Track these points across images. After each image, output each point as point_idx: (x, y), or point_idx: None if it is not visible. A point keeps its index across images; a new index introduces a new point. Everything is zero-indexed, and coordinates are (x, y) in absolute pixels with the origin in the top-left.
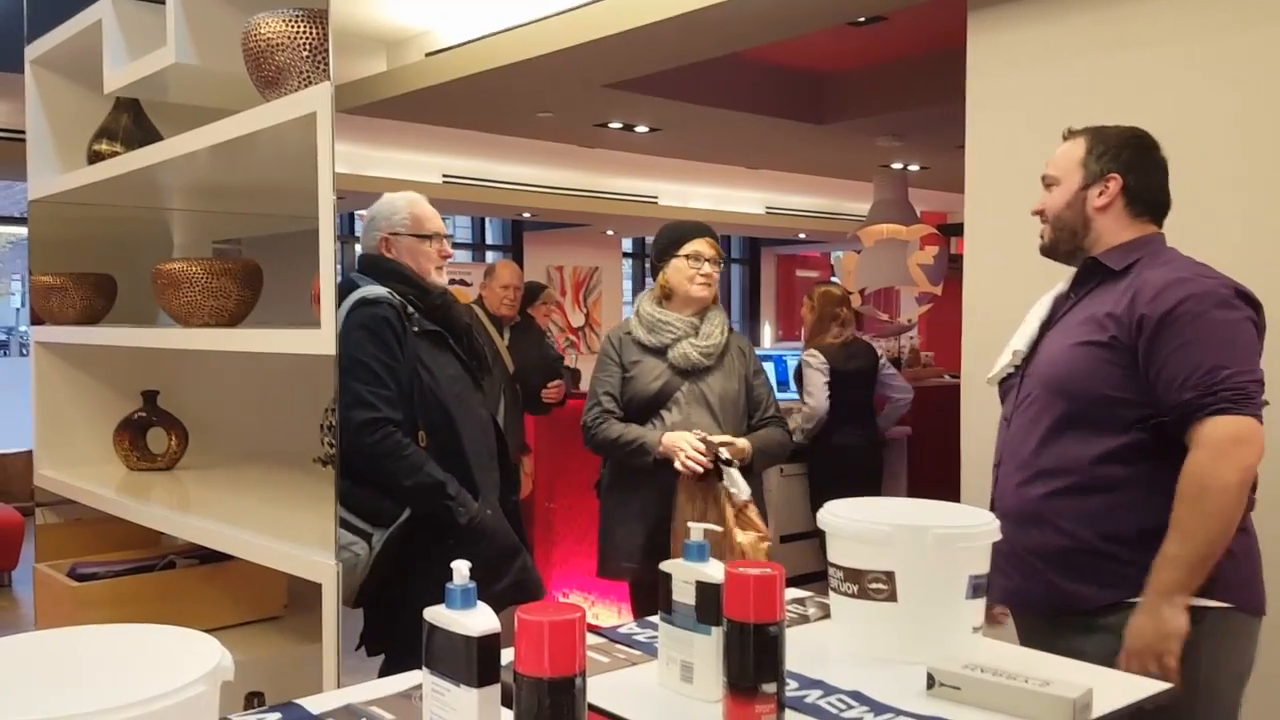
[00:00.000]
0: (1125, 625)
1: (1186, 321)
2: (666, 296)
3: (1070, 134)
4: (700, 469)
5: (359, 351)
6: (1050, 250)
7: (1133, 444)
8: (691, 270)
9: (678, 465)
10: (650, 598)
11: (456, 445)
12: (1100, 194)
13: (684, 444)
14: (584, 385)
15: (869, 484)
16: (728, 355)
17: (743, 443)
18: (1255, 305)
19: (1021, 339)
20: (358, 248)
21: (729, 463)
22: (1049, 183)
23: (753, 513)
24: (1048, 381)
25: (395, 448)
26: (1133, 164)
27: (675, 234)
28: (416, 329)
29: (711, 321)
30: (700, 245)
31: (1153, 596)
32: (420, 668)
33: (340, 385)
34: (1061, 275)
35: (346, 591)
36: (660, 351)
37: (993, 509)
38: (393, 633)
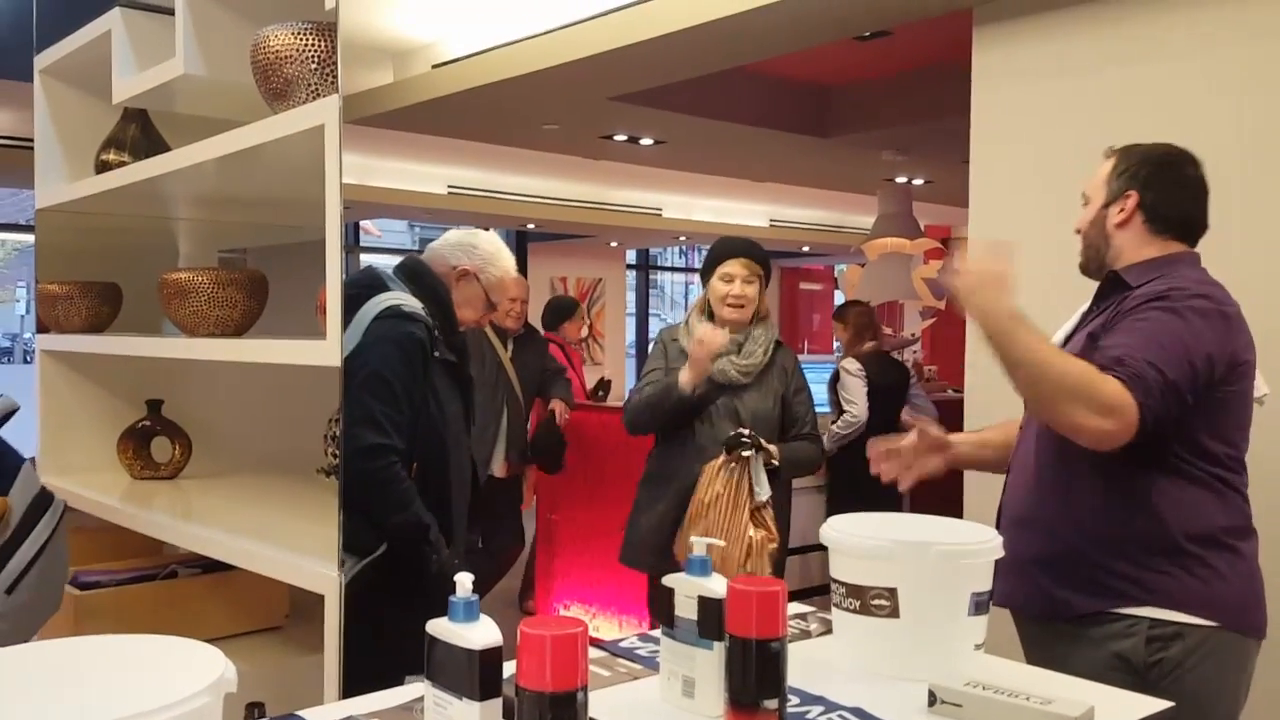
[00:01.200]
0: (1106, 639)
1: (1129, 318)
2: (710, 314)
3: (1109, 153)
4: (715, 342)
5: (385, 367)
6: (1084, 268)
7: (1131, 456)
8: (724, 290)
9: (695, 346)
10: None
11: (444, 484)
12: (1119, 211)
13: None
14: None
15: (890, 498)
16: (768, 374)
17: (773, 448)
18: (1222, 315)
19: None
20: (364, 257)
21: (757, 448)
22: (1084, 202)
23: (768, 515)
24: None
25: (394, 479)
26: (1151, 180)
27: (715, 252)
28: (438, 354)
29: (755, 340)
30: (733, 266)
31: (1007, 301)
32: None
33: (352, 396)
34: (1065, 290)
35: None
36: None
37: (999, 514)
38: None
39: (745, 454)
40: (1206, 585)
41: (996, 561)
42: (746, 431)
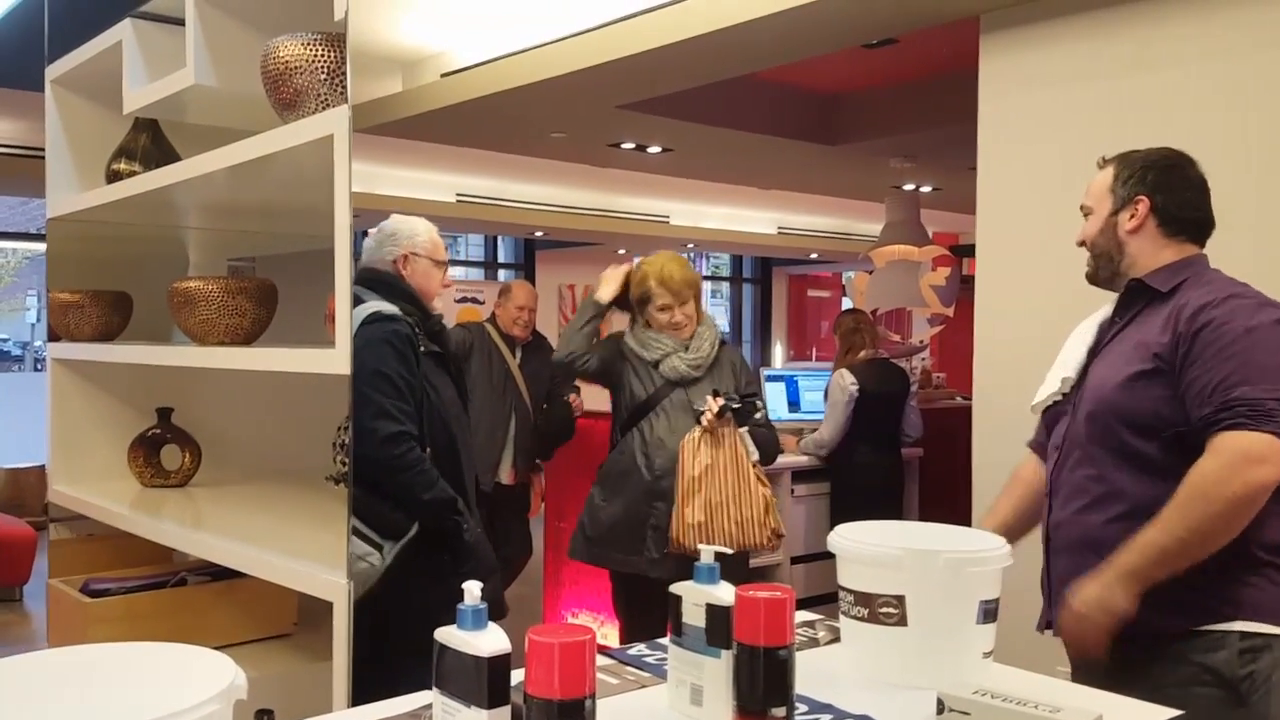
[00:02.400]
0: (1193, 652)
1: (1211, 339)
2: (649, 324)
3: (1103, 162)
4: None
5: (383, 365)
6: (1093, 278)
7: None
8: (665, 319)
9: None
10: (629, 587)
11: (456, 464)
12: (1130, 217)
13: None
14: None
15: (890, 505)
16: (718, 370)
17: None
18: None
19: (1069, 366)
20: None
21: (738, 411)
22: (1085, 212)
23: (761, 472)
24: (1100, 410)
25: (417, 461)
26: (1159, 184)
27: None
28: (423, 349)
29: (701, 336)
30: (664, 297)
31: (1108, 570)
32: (403, 673)
33: (360, 396)
34: (1075, 297)
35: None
36: (653, 364)
37: (1048, 539)
38: (378, 643)
39: (735, 406)
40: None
41: (1057, 589)
42: (723, 394)
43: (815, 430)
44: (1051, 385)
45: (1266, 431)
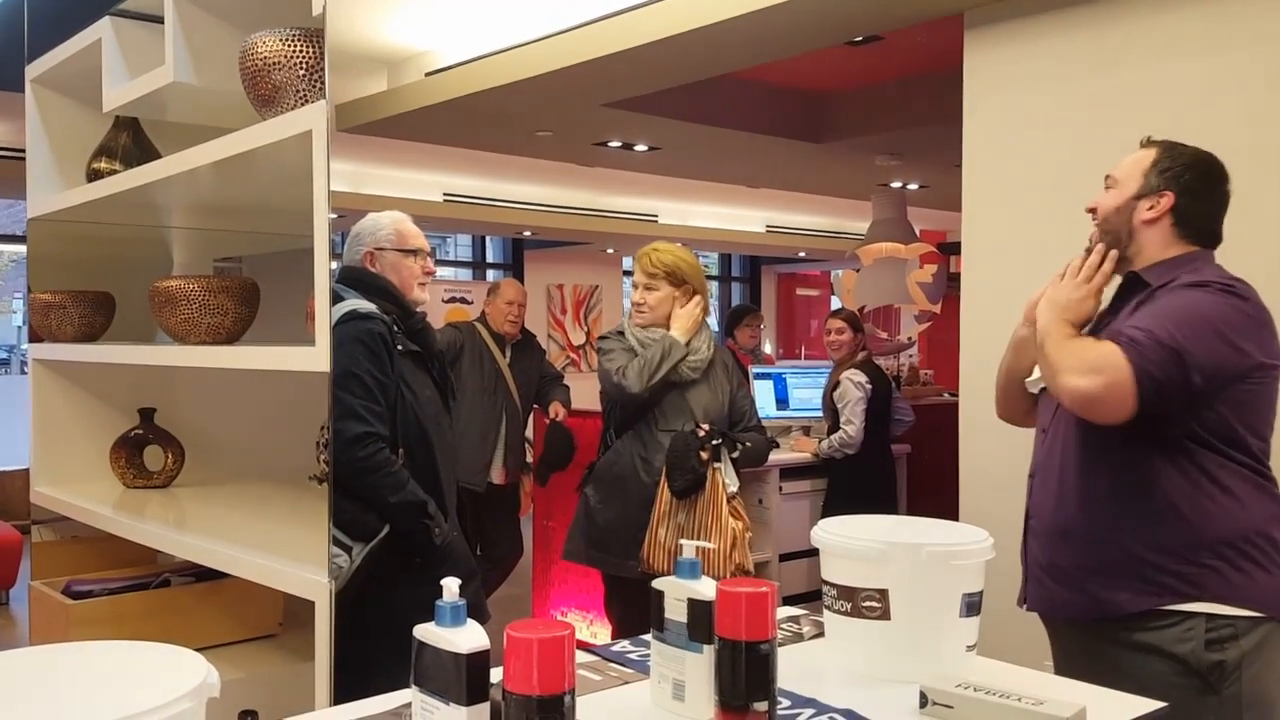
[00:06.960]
0: (1164, 643)
1: (1153, 302)
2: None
3: (1147, 143)
4: None
5: (354, 365)
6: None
7: (1170, 454)
8: (634, 296)
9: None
10: (622, 589)
11: (431, 466)
12: (1150, 208)
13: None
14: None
15: (887, 505)
16: (713, 370)
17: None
18: (1244, 297)
19: None
20: None
21: (719, 449)
22: (1109, 184)
23: (740, 505)
24: None
25: (384, 463)
26: (1191, 187)
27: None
28: (400, 348)
29: (699, 338)
30: (635, 274)
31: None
32: (377, 676)
33: (331, 396)
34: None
35: None
36: None
37: (1028, 519)
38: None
39: (715, 442)
40: (1252, 579)
41: (1032, 568)
42: (705, 427)
43: (807, 428)
44: None
45: (1124, 351)
